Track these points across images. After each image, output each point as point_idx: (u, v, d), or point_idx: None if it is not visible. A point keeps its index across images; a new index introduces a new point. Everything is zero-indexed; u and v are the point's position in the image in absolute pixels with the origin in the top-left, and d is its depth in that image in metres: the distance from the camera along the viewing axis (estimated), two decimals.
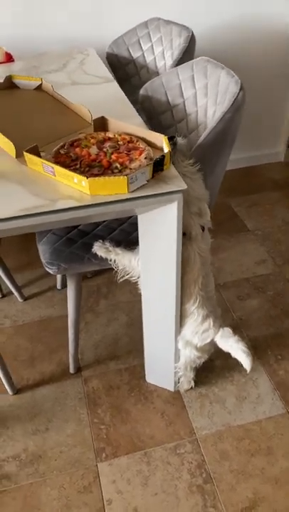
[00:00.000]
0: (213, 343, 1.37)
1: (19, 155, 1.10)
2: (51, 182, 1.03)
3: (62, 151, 1.13)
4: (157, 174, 1.04)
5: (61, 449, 1.37)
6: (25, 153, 1.08)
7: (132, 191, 1.00)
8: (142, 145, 1.13)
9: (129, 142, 1.15)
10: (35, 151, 1.09)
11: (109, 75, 1.63)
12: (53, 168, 1.04)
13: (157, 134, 1.13)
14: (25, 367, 1.61)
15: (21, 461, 1.34)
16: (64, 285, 1.92)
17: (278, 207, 2.33)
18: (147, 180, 1.02)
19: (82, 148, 1.13)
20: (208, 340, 1.35)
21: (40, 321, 1.78)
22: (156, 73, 1.79)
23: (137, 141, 1.14)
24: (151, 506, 1.24)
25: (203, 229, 1.22)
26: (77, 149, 1.14)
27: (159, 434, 1.39)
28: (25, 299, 1.87)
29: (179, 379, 1.48)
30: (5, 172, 1.08)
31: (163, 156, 1.03)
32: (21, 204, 0.97)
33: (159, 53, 1.79)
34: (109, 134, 1.17)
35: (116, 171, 1.06)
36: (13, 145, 1.09)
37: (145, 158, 1.07)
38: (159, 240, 1.15)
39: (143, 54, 1.85)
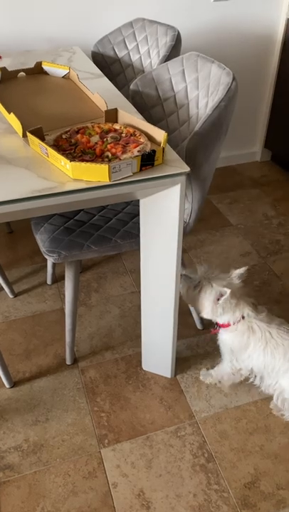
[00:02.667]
0: None
1: (25, 135, 1.13)
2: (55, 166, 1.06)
3: (64, 136, 1.16)
4: (146, 168, 1.05)
5: (63, 437, 1.37)
6: (28, 133, 1.10)
7: (115, 181, 1.00)
8: (142, 139, 1.14)
9: (131, 135, 1.17)
10: (39, 133, 1.11)
11: (99, 71, 1.67)
12: (46, 149, 1.06)
13: (159, 130, 1.13)
14: (21, 360, 1.60)
15: (23, 451, 1.34)
16: (54, 280, 1.93)
17: (258, 203, 2.42)
18: (133, 173, 1.03)
19: (84, 136, 1.17)
20: None
21: (33, 316, 1.77)
22: (142, 71, 1.85)
23: (140, 135, 1.16)
24: (157, 487, 1.26)
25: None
26: (79, 136, 1.17)
27: (159, 419, 1.42)
28: (15, 295, 1.86)
29: None
30: (14, 150, 1.10)
31: (153, 151, 1.04)
32: (31, 186, 0.99)
33: (144, 52, 1.84)
34: (116, 126, 1.19)
35: (106, 159, 1.08)
36: (21, 125, 1.11)
37: (138, 151, 1.09)
38: (160, 225, 1.19)
39: (128, 53, 1.90)
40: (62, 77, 1.51)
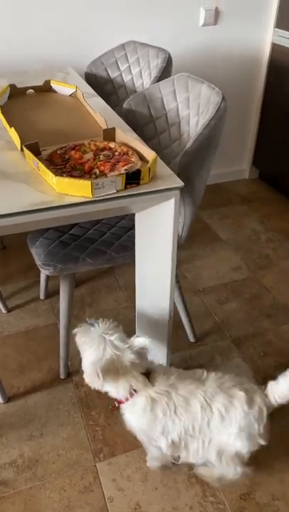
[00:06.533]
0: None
1: (23, 149, 1.16)
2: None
3: (59, 152, 1.19)
4: (131, 186, 1.06)
5: (58, 452, 1.37)
6: (24, 147, 1.13)
7: (98, 197, 1.02)
8: (134, 158, 1.16)
9: (124, 154, 1.19)
10: (35, 147, 1.15)
11: (93, 91, 1.72)
12: (38, 163, 1.09)
13: (149, 151, 1.15)
14: (15, 375, 1.60)
15: (18, 467, 1.33)
16: (47, 295, 1.94)
17: (246, 219, 2.47)
18: (118, 190, 1.04)
19: (77, 152, 1.20)
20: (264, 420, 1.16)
21: (26, 331, 1.77)
22: (134, 91, 1.90)
23: (132, 154, 1.18)
24: (153, 500, 1.26)
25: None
26: (73, 152, 1.20)
27: None
28: (8, 310, 1.86)
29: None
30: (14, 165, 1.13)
31: (138, 171, 1.06)
32: (29, 199, 1.02)
33: (136, 73, 1.90)
34: (111, 144, 1.23)
35: (93, 176, 1.11)
36: (19, 139, 1.15)
37: (125, 170, 1.10)
38: (156, 238, 1.22)
39: (121, 74, 1.96)
40: (70, 95, 1.57)
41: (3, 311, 1.85)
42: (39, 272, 2.03)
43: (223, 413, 1.12)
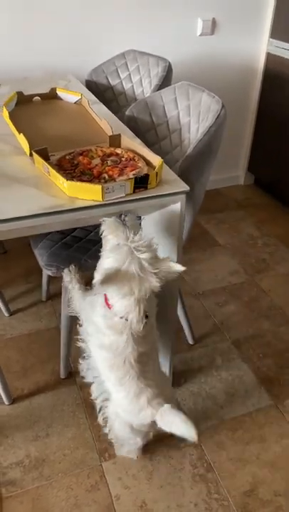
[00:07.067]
0: (154, 426, 1.17)
1: (32, 154, 1.19)
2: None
3: (67, 157, 1.23)
4: (139, 190, 1.10)
5: (64, 452, 1.39)
6: (33, 152, 1.17)
7: (108, 200, 1.05)
8: (140, 164, 1.20)
9: (131, 160, 1.23)
10: (44, 153, 1.18)
11: (95, 98, 1.76)
12: (48, 168, 1.13)
13: (156, 157, 1.19)
14: (18, 378, 1.62)
15: (25, 467, 1.34)
16: (48, 297, 1.96)
17: (243, 224, 2.52)
18: (126, 194, 1.08)
19: (85, 158, 1.24)
20: (147, 421, 1.16)
21: (29, 334, 1.79)
22: (134, 99, 1.95)
23: (138, 160, 1.22)
24: (159, 498, 1.28)
25: (146, 317, 1.08)
26: (81, 157, 1.24)
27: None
28: (11, 313, 1.88)
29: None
30: (23, 170, 1.16)
31: (146, 175, 1.10)
32: (41, 203, 1.05)
33: (136, 81, 1.95)
34: (118, 150, 1.27)
35: (103, 180, 1.15)
36: (28, 145, 1.18)
37: (133, 174, 1.14)
38: (161, 240, 1.25)
39: (121, 82, 2.00)
40: (75, 102, 1.61)
41: (6, 314, 1.87)
42: (40, 276, 2.06)
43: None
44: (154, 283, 1.00)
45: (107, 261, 1.02)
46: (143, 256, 0.99)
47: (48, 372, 1.64)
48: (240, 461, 1.37)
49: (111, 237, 1.03)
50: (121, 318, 1.07)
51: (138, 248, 0.99)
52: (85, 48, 2.14)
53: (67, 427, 1.46)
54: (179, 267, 1.01)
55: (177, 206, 1.16)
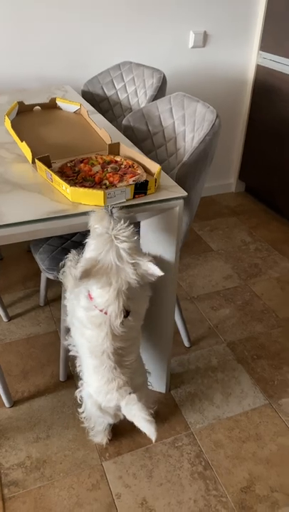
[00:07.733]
0: (119, 410, 1.25)
1: (34, 161, 1.24)
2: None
3: (69, 164, 1.27)
4: (139, 196, 1.15)
5: (65, 452, 1.41)
6: (36, 159, 1.21)
7: (109, 205, 1.08)
8: (139, 170, 1.25)
9: (130, 167, 1.28)
10: (47, 160, 1.23)
11: (92, 108, 1.81)
12: (51, 175, 1.17)
13: (154, 164, 1.23)
14: (19, 381, 1.64)
15: (26, 468, 1.37)
16: (46, 302, 1.99)
17: (235, 230, 2.58)
18: (127, 199, 1.13)
19: (86, 165, 1.28)
20: (112, 404, 1.23)
21: (28, 338, 1.82)
22: (130, 109, 2.00)
23: (137, 167, 1.27)
24: (159, 495, 1.31)
25: (127, 314, 1.10)
26: (82, 165, 1.28)
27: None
28: (9, 318, 1.91)
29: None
30: (25, 177, 1.20)
31: (146, 181, 1.15)
32: (46, 208, 1.09)
33: (132, 92, 2.01)
34: (117, 158, 1.31)
35: (104, 187, 1.20)
36: (31, 153, 1.22)
37: (133, 181, 1.19)
38: (159, 245, 1.30)
39: (116, 92, 2.06)
40: (74, 112, 1.66)
41: (5, 319, 1.90)
42: (37, 281, 2.10)
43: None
44: (131, 274, 0.99)
45: (89, 249, 1.03)
46: (122, 246, 0.99)
47: (47, 375, 1.67)
48: (237, 459, 1.41)
49: (97, 226, 1.04)
50: (100, 311, 1.09)
51: (118, 237, 1.00)
52: (81, 59, 2.20)
53: (68, 428, 1.48)
54: (158, 271, 1.00)
55: (175, 211, 1.20)
